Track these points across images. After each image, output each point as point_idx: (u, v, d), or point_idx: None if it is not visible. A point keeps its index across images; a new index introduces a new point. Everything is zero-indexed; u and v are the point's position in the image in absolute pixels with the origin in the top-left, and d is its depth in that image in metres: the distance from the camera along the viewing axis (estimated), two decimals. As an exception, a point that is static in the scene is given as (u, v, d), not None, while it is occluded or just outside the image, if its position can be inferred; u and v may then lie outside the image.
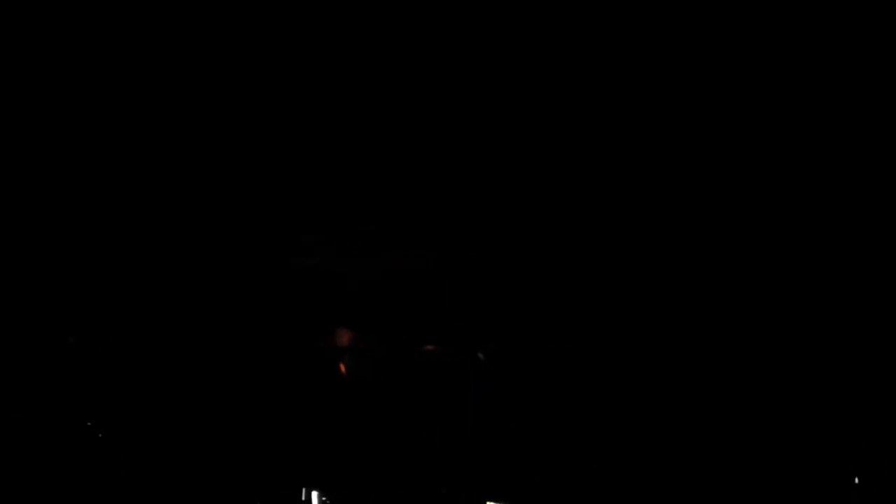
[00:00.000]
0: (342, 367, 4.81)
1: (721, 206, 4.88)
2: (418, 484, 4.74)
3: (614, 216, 4.87)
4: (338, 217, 4.97)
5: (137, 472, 4.68)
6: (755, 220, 4.85)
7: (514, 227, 4.90)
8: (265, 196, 4.96)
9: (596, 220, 4.87)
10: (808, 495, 4.69)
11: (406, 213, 4.94)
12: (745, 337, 4.86)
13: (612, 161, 4.86)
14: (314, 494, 4.70)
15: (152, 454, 4.72)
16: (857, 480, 4.65)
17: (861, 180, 4.81)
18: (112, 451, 4.68)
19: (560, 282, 4.89)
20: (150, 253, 4.92)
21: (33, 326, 4.79)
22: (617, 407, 4.84)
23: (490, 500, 4.70)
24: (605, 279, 4.86)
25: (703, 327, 4.83)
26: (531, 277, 4.91)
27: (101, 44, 4.79)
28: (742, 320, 4.88)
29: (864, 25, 4.61)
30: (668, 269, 4.86)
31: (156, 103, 4.89)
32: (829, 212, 4.84)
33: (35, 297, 4.84)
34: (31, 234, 4.86)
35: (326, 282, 4.96)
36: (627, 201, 4.87)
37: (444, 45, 4.80)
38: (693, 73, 4.76)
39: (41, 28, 4.75)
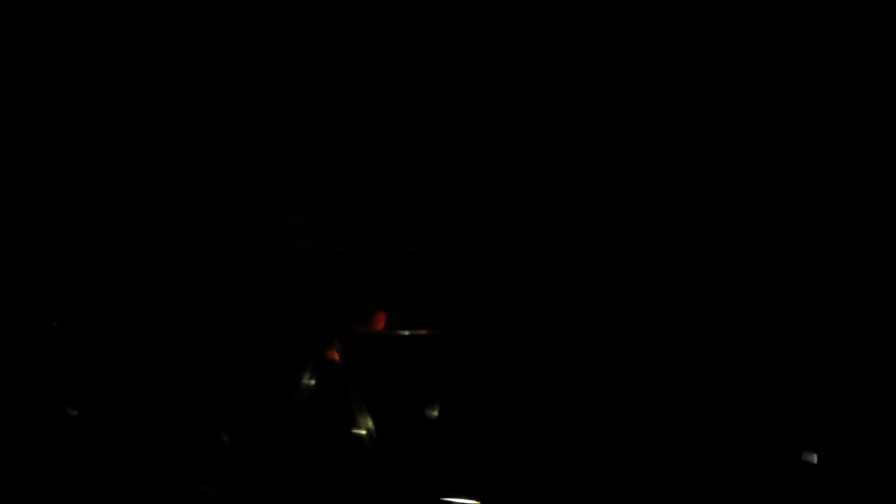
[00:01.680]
0: (332, 353, 4.83)
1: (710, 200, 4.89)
2: (407, 470, 4.77)
3: (608, 213, 4.88)
4: (330, 202, 4.97)
5: (121, 459, 4.71)
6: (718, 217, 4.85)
7: (508, 218, 4.91)
8: (255, 178, 4.97)
9: (587, 215, 4.88)
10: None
11: (400, 203, 4.95)
12: (736, 334, 4.88)
13: (599, 158, 4.87)
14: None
15: (135, 441, 4.74)
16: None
17: (861, 180, 4.80)
18: (93, 436, 4.70)
19: (553, 275, 4.91)
20: (131, 234, 4.93)
21: (15, 312, 4.79)
22: (609, 402, 4.85)
23: (477, 489, 4.73)
24: (598, 274, 4.87)
25: (702, 327, 4.83)
26: (525, 269, 4.92)
27: (82, 34, 4.79)
28: (732, 318, 4.89)
29: (863, 26, 4.60)
30: (657, 266, 4.87)
31: (137, 91, 4.88)
32: (822, 213, 4.83)
33: (16, 281, 4.84)
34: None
35: (315, 266, 4.97)
36: (619, 197, 4.88)
37: (437, 45, 4.81)
38: (686, 73, 4.76)
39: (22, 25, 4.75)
